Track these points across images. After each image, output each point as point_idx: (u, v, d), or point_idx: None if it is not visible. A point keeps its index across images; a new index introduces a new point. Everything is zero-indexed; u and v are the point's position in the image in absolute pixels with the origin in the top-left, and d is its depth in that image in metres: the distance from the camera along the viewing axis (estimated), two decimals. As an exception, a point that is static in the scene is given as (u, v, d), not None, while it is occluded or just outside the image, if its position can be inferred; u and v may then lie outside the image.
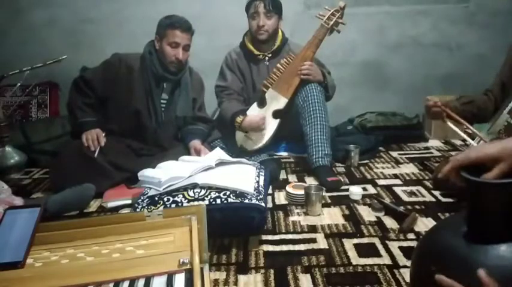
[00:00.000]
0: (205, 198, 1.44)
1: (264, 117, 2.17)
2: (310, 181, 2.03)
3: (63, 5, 2.90)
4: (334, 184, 1.93)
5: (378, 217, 1.62)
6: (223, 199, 1.43)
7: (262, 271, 1.28)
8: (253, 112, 2.22)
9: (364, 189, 1.90)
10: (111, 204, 1.78)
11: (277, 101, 2.19)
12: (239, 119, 2.18)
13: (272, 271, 1.28)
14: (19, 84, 2.53)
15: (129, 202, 1.77)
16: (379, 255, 1.35)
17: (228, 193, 1.45)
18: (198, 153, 2.04)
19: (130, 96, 2.05)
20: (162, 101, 2.12)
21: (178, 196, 1.46)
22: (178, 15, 2.04)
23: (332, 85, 2.27)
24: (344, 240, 1.45)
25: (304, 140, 2.13)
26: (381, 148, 2.55)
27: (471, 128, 1.77)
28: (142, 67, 2.06)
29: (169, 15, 2.04)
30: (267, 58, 2.31)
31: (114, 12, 2.90)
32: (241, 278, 1.25)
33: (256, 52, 2.30)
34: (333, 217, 1.65)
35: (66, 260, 0.83)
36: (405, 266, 1.26)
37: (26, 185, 2.13)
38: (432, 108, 1.84)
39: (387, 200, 1.76)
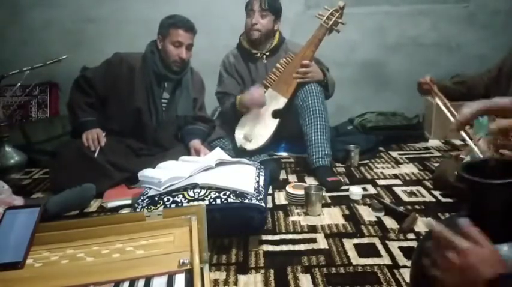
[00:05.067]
0: (205, 198, 1.44)
1: (262, 94, 2.15)
2: (310, 181, 2.03)
3: (63, 5, 2.90)
4: (334, 184, 1.93)
5: (378, 217, 1.62)
6: (223, 199, 1.43)
7: (262, 271, 1.28)
8: (253, 111, 2.22)
9: (364, 189, 1.90)
10: (111, 204, 1.78)
11: (277, 101, 2.19)
12: (239, 96, 2.19)
13: (272, 271, 1.28)
14: (19, 84, 2.53)
15: (129, 202, 1.76)
16: (379, 255, 1.35)
17: (228, 193, 1.45)
18: (198, 153, 2.04)
19: (131, 96, 2.05)
20: (163, 100, 2.12)
21: (178, 196, 1.46)
22: (181, 15, 2.04)
23: (332, 83, 2.27)
24: (344, 240, 1.46)
25: (304, 140, 2.13)
26: (381, 148, 2.55)
27: (452, 110, 1.80)
28: (143, 66, 2.06)
29: (171, 15, 2.05)
30: (264, 57, 2.31)
31: (115, 12, 2.90)
32: (241, 278, 1.25)
33: (253, 51, 2.30)
34: (333, 217, 1.65)
35: (66, 260, 0.83)
36: (405, 266, 1.26)
37: (26, 185, 2.13)
38: (423, 85, 1.92)
39: (387, 200, 1.76)
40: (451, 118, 1.79)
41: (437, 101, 1.88)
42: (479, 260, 0.62)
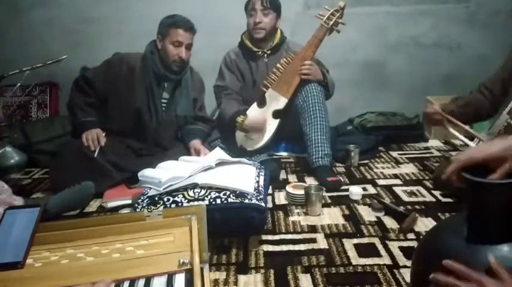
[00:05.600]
0: (205, 198, 1.44)
1: (265, 120, 2.16)
2: (310, 181, 2.03)
3: (63, 5, 2.90)
4: (334, 184, 1.93)
5: (378, 217, 1.62)
6: (223, 199, 1.43)
7: (262, 271, 1.28)
8: (253, 112, 2.22)
9: (364, 189, 1.90)
10: (111, 204, 1.78)
11: (277, 101, 2.19)
12: (240, 118, 2.17)
13: (272, 271, 1.28)
14: (19, 84, 2.53)
15: (129, 202, 1.77)
16: (379, 255, 1.35)
17: (228, 193, 1.45)
18: (197, 153, 2.04)
19: (131, 96, 2.05)
20: (163, 100, 2.12)
21: (178, 196, 1.46)
22: (180, 15, 2.04)
23: (332, 84, 2.27)
24: (344, 240, 1.46)
25: (304, 140, 2.13)
26: (381, 148, 2.55)
27: (471, 131, 1.78)
28: (143, 67, 2.06)
29: (171, 14, 2.05)
30: (265, 55, 2.31)
31: (114, 12, 2.90)
32: (241, 278, 1.25)
33: (254, 49, 2.30)
34: (333, 217, 1.65)
35: (66, 260, 0.83)
36: (405, 266, 1.26)
37: (26, 185, 2.13)
38: (433, 116, 1.87)
39: (387, 200, 1.76)
40: (471, 144, 1.76)
41: (451, 129, 1.84)
42: None
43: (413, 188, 1.91)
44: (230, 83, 2.33)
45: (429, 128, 2.78)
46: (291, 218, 1.65)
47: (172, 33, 1.99)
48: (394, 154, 2.48)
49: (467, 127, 1.80)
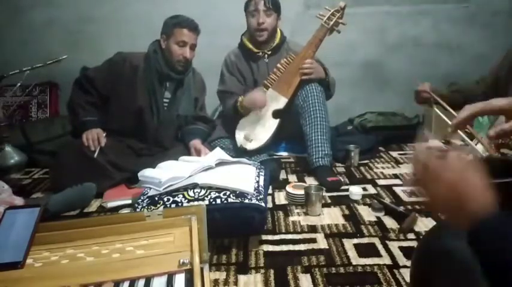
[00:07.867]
0: (205, 198, 1.44)
1: (265, 97, 2.15)
2: (310, 181, 2.03)
3: (63, 5, 2.90)
4: (334, 184, 1.93)
5: (378, 217, 1.62)
6: (223, 199, 1.43)
7: (262, 271, 1.28)
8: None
9: (364, 189, 1.90)
10: (111, 204, 1.78)
11: (277, 101, 2.19)
12: (241, 98, 2.18)
13: (272, 271, 1.28)
14: (19, 84, 2.53)
15: (129, 202, 1.77)
16: (379, 255, 1.35)
17: (228, 193, 1.45)
18: (198, 153, 2.04)
19: (133, 95, 2.05)
20: (164, 100, 2.12)
21: (178, 196, 1.46)
22: (184, 15, 2.05)
23: (333, 82, 2.27)
24: (344, 240, 1.46)
25: (304, 140, 2.13)
26: (380, 148, 2.55)
27: (455, 114, 1.78)
28: (146, 66, 2.06)
29: (175, 15, 2.06)
30: (266, 56, 2.31)
31: (115, 12, 2.90)
32: (241, 278, 1.25)
33: (255, 50, 2.30)
34: (333, 217, 1.65)
35: (66, 260, 0.83)
36: (405, 266, 1.26)
37: (26, 185, 2.13)
38: (422, 93, 1.89)
39: (387, 200, 1.76)
40: (470, 142, 1.77)
41: (436, 109, 1.85)
42: (471, 191, 0.57)
43: (414, 188, 1.91)
44: (232, 86, 2.33)
45: (429, 128, 2.78)
46: (291, 218, 1.65)
47: (177, 33, 2.00)
48: (394, 154, 2.48)
49: (451, 110, 1.81)
